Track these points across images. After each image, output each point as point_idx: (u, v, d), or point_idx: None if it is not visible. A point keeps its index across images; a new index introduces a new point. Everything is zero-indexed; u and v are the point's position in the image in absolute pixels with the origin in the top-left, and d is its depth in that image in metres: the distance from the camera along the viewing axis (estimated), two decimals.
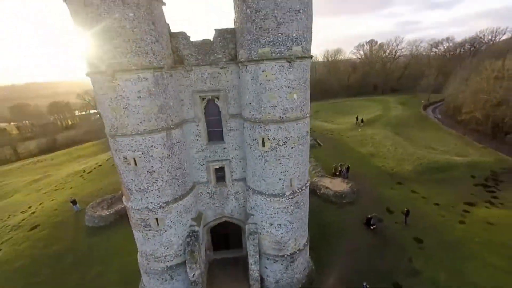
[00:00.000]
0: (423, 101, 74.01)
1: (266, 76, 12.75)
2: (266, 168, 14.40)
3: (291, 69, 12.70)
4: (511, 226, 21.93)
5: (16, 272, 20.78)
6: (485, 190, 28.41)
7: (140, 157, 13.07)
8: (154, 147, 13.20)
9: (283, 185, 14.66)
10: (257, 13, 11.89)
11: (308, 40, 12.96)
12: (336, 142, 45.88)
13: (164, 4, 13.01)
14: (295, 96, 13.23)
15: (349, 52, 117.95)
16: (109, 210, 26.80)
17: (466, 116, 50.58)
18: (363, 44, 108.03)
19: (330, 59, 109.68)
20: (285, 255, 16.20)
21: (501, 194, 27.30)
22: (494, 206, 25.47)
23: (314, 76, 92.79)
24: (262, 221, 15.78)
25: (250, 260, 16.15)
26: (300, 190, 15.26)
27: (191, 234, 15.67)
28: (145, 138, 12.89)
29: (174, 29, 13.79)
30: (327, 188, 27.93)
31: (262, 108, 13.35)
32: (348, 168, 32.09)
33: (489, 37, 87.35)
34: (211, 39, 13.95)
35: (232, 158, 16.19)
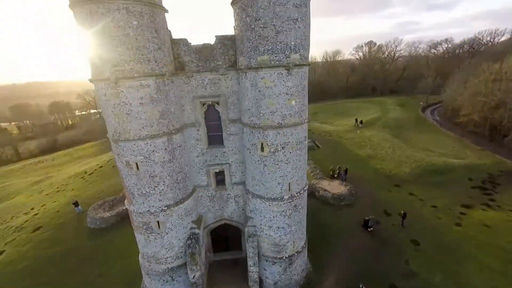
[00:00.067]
0: (421, 103, 74.26)
1: (265, 83, 13.05)
2: (265, 172, 14.69)
3: (289, 77, 13.00)
4: (507, 228, 22.24)
5: (20, 273, 21.08)
6: (482, 192, 28.65)
7: (142, 162, 13.37)
8: (156, 151, 13.47)
9: (281, 189, 14.93)
10: (257, 21, 12.19)
11: (306, 48, 13.27)
12: (334, 144, 46.02)
13: (167, 11, 13.30)
14: (293, 102, 13.53)
15: (348, 53, 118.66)
16: (111, 212, 27.06)
17: (464, 119, 50.91)
18: (362, 45, 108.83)
19: (329, 60, 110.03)
20: (284, 257, 16.48)
21: (498, 197, 27.57)
22: (491, 209, 25.70)
23: (313, 78, 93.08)
24: (261, 224, 16.06)
25: (249, 262, 16.44)
26: (298, 194, 15.54)
27: (191, 236, 15.98)
28: (147, 143, 13.18)
29: (175, 35, 14.05)
30: (325, 190, 28.24)
31: (261, 114, 13.65)
32: (346, 171, 32.33)
33: (488, 39, 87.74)
34: (211, 44, 14.21)
35: (232, 162, 16.48)
